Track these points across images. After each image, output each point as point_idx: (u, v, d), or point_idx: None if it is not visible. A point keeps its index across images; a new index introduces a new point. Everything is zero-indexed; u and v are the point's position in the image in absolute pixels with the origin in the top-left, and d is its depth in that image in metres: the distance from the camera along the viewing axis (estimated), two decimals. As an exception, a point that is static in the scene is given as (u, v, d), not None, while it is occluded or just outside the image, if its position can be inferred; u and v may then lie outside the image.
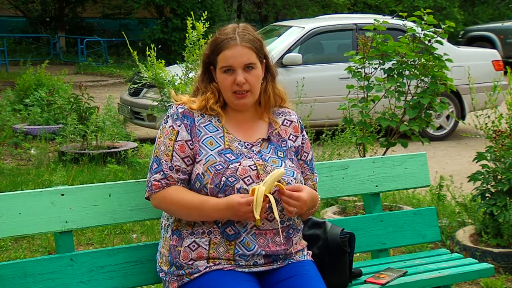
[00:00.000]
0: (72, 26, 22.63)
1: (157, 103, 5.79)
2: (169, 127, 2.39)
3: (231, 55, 2.36)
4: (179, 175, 2.35)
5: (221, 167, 2.31)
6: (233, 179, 2.30)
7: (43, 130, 7.71)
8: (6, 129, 8.19)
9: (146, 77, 5.53)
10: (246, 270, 2.32)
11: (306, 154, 2.53)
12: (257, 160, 2.36)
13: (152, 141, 7.20)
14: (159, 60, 5.46)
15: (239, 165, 2.33)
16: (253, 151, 2.39)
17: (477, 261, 2.99)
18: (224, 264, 2.31)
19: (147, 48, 5.36)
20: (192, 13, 5.37)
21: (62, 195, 2.46)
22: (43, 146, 6.96)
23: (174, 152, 2.35)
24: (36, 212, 2.42)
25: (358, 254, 3.91)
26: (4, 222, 2.37)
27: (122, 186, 2.56)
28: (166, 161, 2.35)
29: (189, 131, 2.38)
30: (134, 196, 2.55)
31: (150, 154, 6.74)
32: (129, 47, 5.63)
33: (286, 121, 2.52)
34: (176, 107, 2.42)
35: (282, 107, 2.54)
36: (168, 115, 2.42)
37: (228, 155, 2.34)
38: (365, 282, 2.68)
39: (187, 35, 5.19)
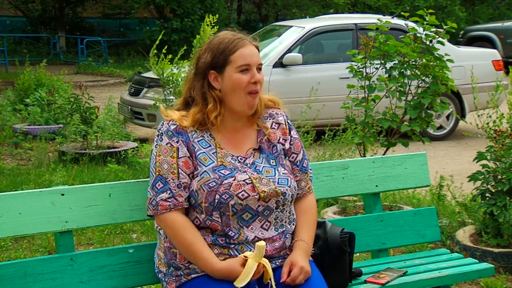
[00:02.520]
0: (72, 26, 22.64)
1: (158, 102, 5.81)
2: (167, 144, 2.34)
3: (249, 53, 2.35)
4: (186, 192, 2.32)
5: (214, 184, 2.29)
6: (227, 196, 2.28)
7: (43, 130, 7.71)
8: (6, 129, 8.19)
9: (147, 76, 5.57)
10: (245, 269, 2.32)
11: (295, 155, 2.49)
12: (252, 173, 2.34)
13: (152, 140, 7.19)
14: (165, 60, 5.50)
15: (233, 180, 2.30)
16: (246, 165, 2.37)
17: (477, 261, 2.99)
18: (222, 266, 2.31)
19: (155, 47, 5.40)
20: (208, 15, 5.39)
21: (62, 195, 2.46)
22: (43, 146, 6.96)
23: (179, 169, 2.31)
24: (36, 212, 2.41)
25: (358, 254, 3.91)
26: (4, 222, 2.36)
27: (122, 186, 2.55)
28: (173, 179, 2.30)
29: (186, 147, 2.34)
30: (134, 196, 2.54)
31: (150, 154, 6.76)
32: (142, 48, 5.67)
33: (274, 124, 2.48)
34: (168, 124, 2.36)
35: (270, 108, 2.50)
36: (162, 133, 2.36)
37: (222, 171, 2.32)
38: (365, 282, 2.68)
39: (198, 36, 5.20)
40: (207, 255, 2.27)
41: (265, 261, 2.23)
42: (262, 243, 2.21)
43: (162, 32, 5.94)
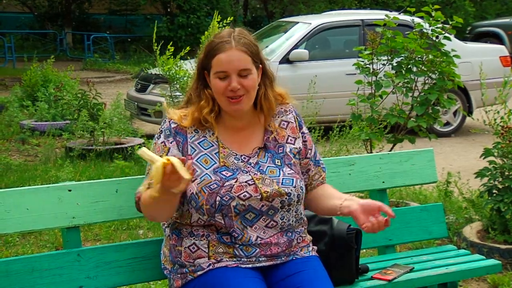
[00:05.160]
0: (78, 22, 22.68)
1: (164, 98, 5.82)
2: (161, 143, 2.34)
3: (226, 59, 2.28)
4: None
5: (215, 185, 2.27)
6: (228, 197, 2.27)
7: (50, 126, 7.72)
8: (14, 125, 8.23)
9: (154, 73, 5.59)
10: (250, 266, 2.31)
11: (310, 151, 2.47)
12: (255, 173, 2.32)
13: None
14: (171, 56, 5.52)
15: (235, 181, 2.28)
16: (250, 164, 2.34)
17: (484, 257, 2.98)
18: (227, 261, 2.30)
19: (155, 43, 5.40)
20: (216, 12, 5.40)
21: (69, 191, 2.47)
22: (50, 142, 6.99)
23: None
24: (43, 207, 2.42)
25: (364, 250, 3.91)
26: (12, 218, 2.37)
27: (129, 182, 2.55)
28: None
29: (180, 149, 2.33)
30: (140, 192, 2.55)
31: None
32: (153, 43, 5.65)
33: (282, 122, 2.44)
34: (169, 122, 2.36)
35: (279, 105, 2.45)
36: (162, 130, 2.36)
37: (224, 172, 2.30)
38: (372, 278, 2.68)
39: (206, 32, 5.21)
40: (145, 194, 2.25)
41: (174, 160, 2.08)
42: (139, 150, 2.12)
43: (155, 27, 5.90)
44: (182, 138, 2.34)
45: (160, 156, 2.21)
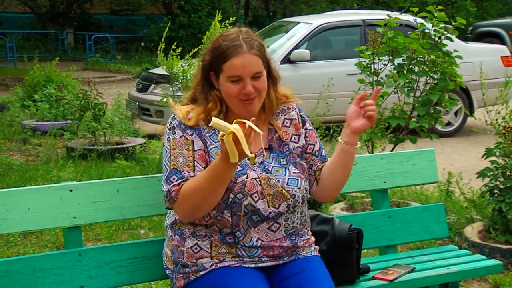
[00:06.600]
0: (80, 22, 22.70)
1: (165, 97, 5.83)
2: (181, 137, 2.30)
3: (240, 64, 2.27)
4: None
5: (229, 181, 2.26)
6: (241, 195, 2.27)
7: (51, 126, 7.73)
8: (15, 125, 8.23)
9: (155, 72, 5.58)
10: (253, 265, 2.32)
11: (312, 146, 2.45)
12: (260, 173, 2.32)
13: (160, 136, 7.21)
14: (174, 54, 5.54)
15: (246, 177, 2.28)
16: (255, 163, 2.34)
17: (485, 257, 2.98)
18: (230, 261, 2.30)
19: (163, 43, 5.42)
20: (218, 12, 5.41)
21: (71, 190, 2.47)
22: (51, 142, 6.99)
23: (195, 162, 2.28)
24: (45, 207, 2.42)
25: (366, 250, 3.91)
26: (13, 218, 2.37)
27: (130, 182, 2.55)
28: (188, 172, 2.27)
29: (202, 140, 2.32)
30: (142, 192, 2.55)
31: (158, 150, 6.80)
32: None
33: (286, 120, 2.44)
34: (179, 118, 2.34)
35: (283, 103, 2.45)
36: (174, 126, 2.33)
37: None
38: (373, 278, 2.68)
39: (207, 32, 5.21)
40: (210, 168, 2.21)
41: (236, 127, 2.06)
42: (212, 119, 2.09)
43: (168, 25, 5.91)
44: (198, 131, 2.33)
45: (187, 149, 2.27)
